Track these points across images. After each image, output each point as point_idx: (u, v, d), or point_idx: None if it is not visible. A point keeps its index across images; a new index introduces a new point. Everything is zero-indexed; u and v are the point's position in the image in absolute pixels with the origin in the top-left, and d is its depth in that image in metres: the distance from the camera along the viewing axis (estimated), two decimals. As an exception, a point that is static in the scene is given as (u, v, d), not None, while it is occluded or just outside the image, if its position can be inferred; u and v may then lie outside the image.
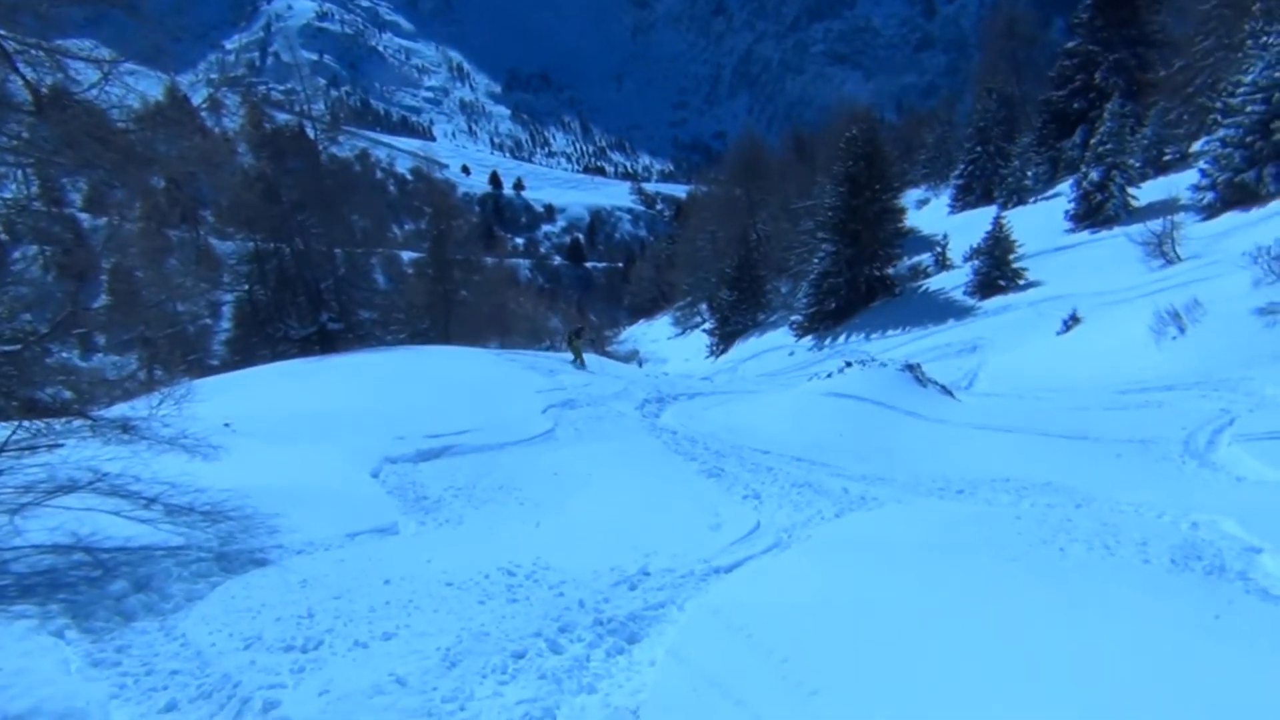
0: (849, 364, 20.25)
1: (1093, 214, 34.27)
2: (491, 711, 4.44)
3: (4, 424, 11.29)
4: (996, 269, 33.02)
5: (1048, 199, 41.59)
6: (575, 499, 10.23)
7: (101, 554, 6.63)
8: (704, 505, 10.07)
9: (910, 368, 19.24)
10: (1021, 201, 43.17)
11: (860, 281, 39.85)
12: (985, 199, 49.42)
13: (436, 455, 11.94)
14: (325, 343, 32.69)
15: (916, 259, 42.10)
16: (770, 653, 4.99)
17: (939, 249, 40.91)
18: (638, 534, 8.57)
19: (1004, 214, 36.18)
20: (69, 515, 7.41)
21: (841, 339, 37.68)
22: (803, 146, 74.01)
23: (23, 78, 9.70)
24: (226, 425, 11.83)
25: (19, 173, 11.73)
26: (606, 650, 5.45)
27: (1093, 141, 35.45)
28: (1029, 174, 45.22)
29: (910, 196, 56.81)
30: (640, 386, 20.99)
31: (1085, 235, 34.12)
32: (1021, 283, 32.38)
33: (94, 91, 10.29)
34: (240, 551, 7.04)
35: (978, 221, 38.69)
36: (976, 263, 34.12)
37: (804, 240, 48.77)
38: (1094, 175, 34.17)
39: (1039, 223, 36.63)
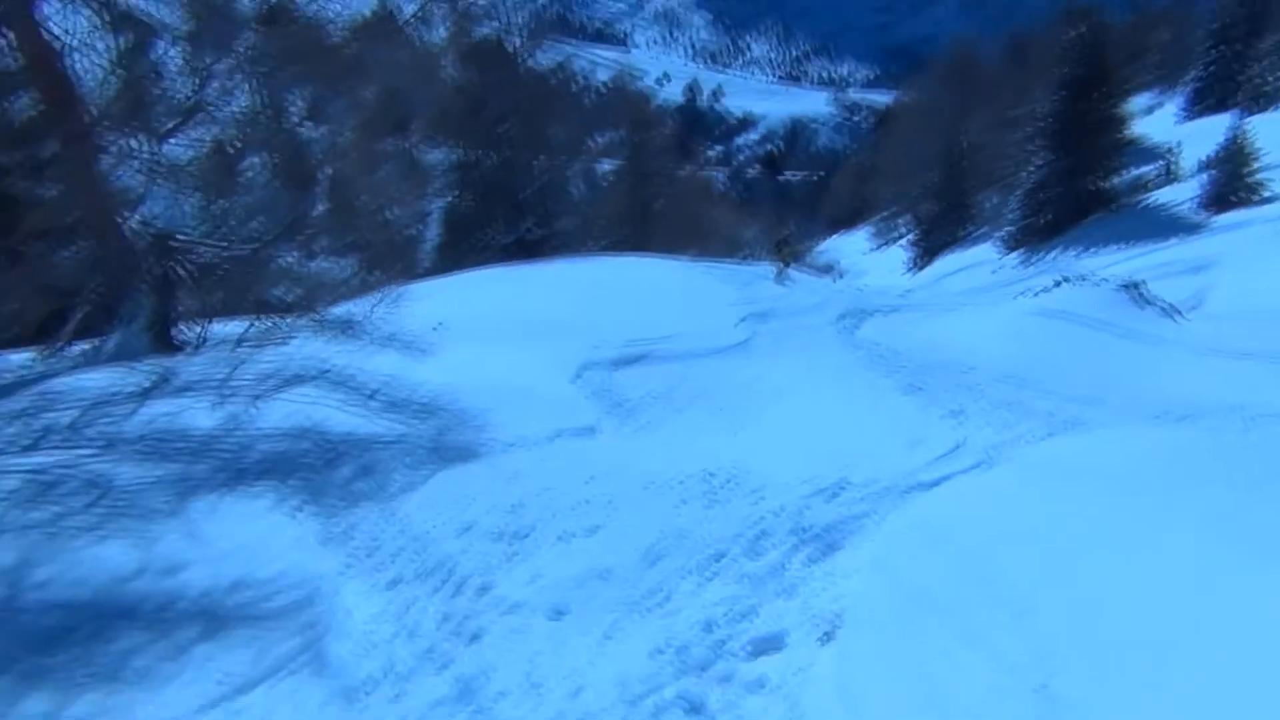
0: (1061, 281, 19.22)
1: (1348, 119, 30.92)
2: (692, 608, 4.53)
3: (241, 320, 12.23)
4: (1232, 182, 30.28)
5: (1294, 105, 37.79)
6: (771, 409, 10.20)
7: (329, 441, 7.10)
8: (903, 421, 9.85)
9: (1129, 286, 18.06)
10: (1264, 108, 39.31)
11: (1076, 194, 37.38)
12: (1222, 105, 45.31)
13: (634, 362, 12.12)
14: (527, 250, 33.55)
15: (1140, 171, 39.12)
16: (978, 570, 4.86)
17: (1166, 160, 37.88)
18: (835, 446, 8.46)
19: (1244, 122, 33.10)
20: (300, 405, 7.96)
21: (1052, 255, 35.69)
22: (1019, 50, 69.56)
23: (254, -9, 10.24)
24: (437, 326, 12.37)
25: (248, 85, 12.46)
26: (805, 557, 5.44)
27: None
28: (1273, 77, 41.03)
29: (1137, 103, 52.64)
30: (837, 300, 20.61)
31: (1338, 143, 30.88)
32: (1261, 197, 29.63)
33: (313, 7, 10.77)
34: (453, 444, 7.39)
35: (1212, 130, 35.58)
36: (1209, 175, 31.39)
37: (1016, 150, 46.08)
38: (1351, 75, 30.72)
39: (1284, 131, 33.35)
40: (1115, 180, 37.74)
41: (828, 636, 4.41)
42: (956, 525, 5.75)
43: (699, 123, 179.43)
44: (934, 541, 5.46)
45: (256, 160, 16.41)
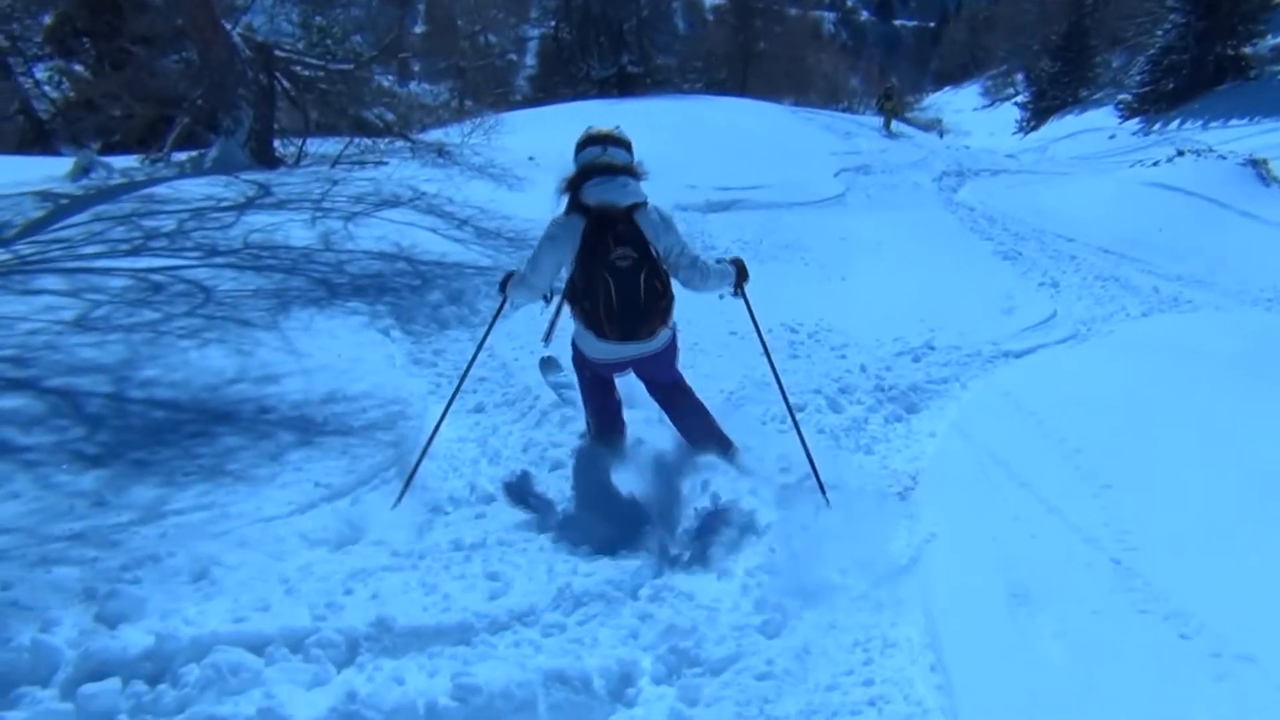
0: (1180, 152, 18.28)
1: None
2: (771, 456, 4.57)
3: (338, 139, 12.31)
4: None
5: None
6: (862, 266, 10.03)
7: (420, 265, 7.21)
8: (997, 287, 9.62)
9: (1254, 163, 17.09)
10: None
11: (1209, 60, 35.03)
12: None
13: (725, 208, 11.97)
14: (624, 85, 32.96)
15: (1283, 38, 36.52)
16: (1062, 441, 4.81)
17: (1316, 25, 35.18)
18: (924, 308, 8.33)
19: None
20: (392, 227, 8.06)
21: (1174, 125, 33.80)
22: (1165, -103, 64.51)
23: None
24: (531, 159, 12.31)
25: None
26: (885, 416, 5.44)
27: None
28: None
29: (1290, -38, 48.70)
30: (939, 157, 19.94)
31: None
32: None
33: None
34: (540, 278, 7.46)
35: (1371, -5, 32.84)
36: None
37: (1149, 9, 43.23)
38: None
39: None
40: (1254, 46, 35.15)
41: (902, 495, 4.45)
42: (1042, 397, 5.67)
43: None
44: (1018, 411, 5.41)
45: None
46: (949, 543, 3.88)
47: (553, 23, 35.98)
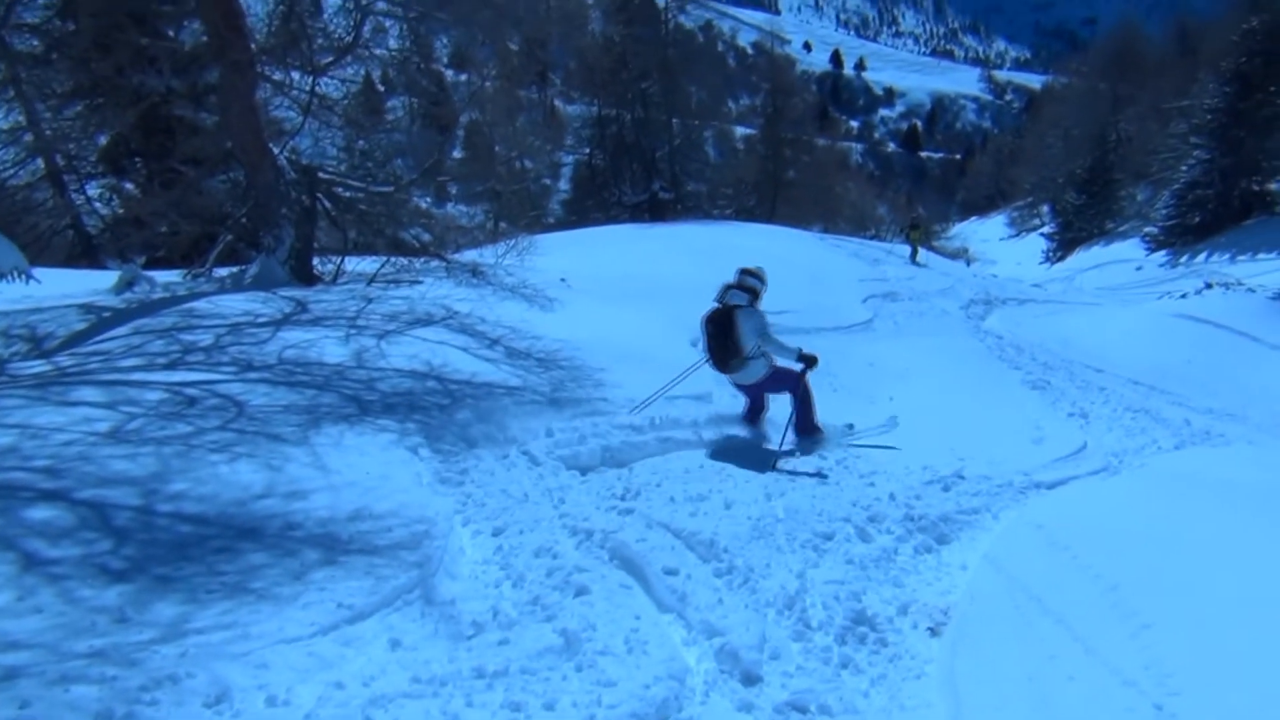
0: (1209, 285, 18.35)
1: None
2: (797, 586, 4.50)
3: (375, 258, 12.59)
4: None
5: None
6: (890, 392, 10.04)
7: (451, 384, 7.27)
8: (1026, 417, 9.57)
9: (1283, 297, 17.14)
10: None
11: (1234, 195, 35.39)
12: (1407, 110, 42.23)
13: (755, 332, 12.06)
14: (655, 210, 33.65)
15: (1308, 175, 36.91)
16: (1098, 577, 4.70)
17: (1339, 165, 35.59)
18: (953, 436, 8.29)
19: None
20: (424, 345, 8.16)
21: (1201, 258, 33.97)
22: (1187, 38, 66.13)
23: (415, -67, 10.43)
24: (562, 280, 12.51)
25: (400, 27, 12.73)
26: (915, 546, 5.35)
27: None
28: None
29: (1311, 102, 49.50)
30: (967, 286, 20.11)
31: None
32: None
33: (470, -50, 10.91)
34: (569, 399, 7.49)
35: (1393, 136, 33.26)
36: (1387, 183, 29.43)
37: (1173, 145, 43.85)
38: None
39: None
40: (1279, 183, 35.55)
41: (935, 630, 4.34)
42: (1076, 530, 5.57)
43: (840, 93, 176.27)
44: (1051, 544, 5.30)
45: (402, 102, 16.82)
46: (983, 683, 3.78)
47: (587, 149, 37.00)
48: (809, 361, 7.35)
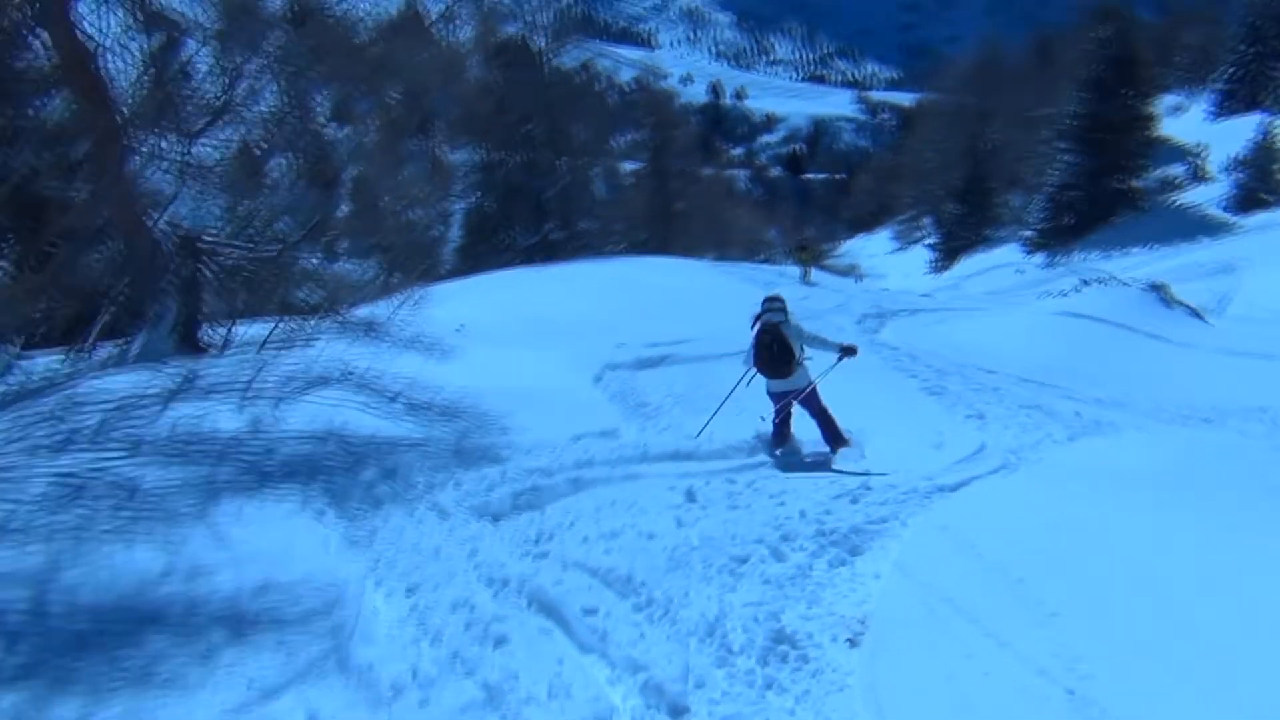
0: (1086, 282, 19.17)
1: (1379, 121, 30.57)
2: (716, 612, 4.53)
3: (265, 321, 12.31)
4: (1261, 182, 30.06)
5: (1326, 105, 37.40)
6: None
7: (353, 444, 7.14)
8: (926, 423, 9.84)
9: (1155, 288, 18.01)
10: (1294, 109, 38.97)
11: (1102, 195, 37.15)
12: (1251, 105, 44.87)
13: (655, 363, 12.13)
14: (548, 251, 33.65)
15: (1167, 171, 38.88)
16: (1004, 573, 4.84)
17: (1195, 160, 37.59)
18: (858, 448, 8.49)
19: (1274, 120, 32.80)
20: (323, 407, 8.00)
21: (1077, 257, 35.49)
22: (1045, 49, 69.17)
23: (281, -8, 10.30)
24: (459, 328, 12.42)
25: (275, 85, 12.54)
26: (829, 560, 5.41)
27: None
28: (1305, 78, 40.66)
29: (1164, 103, 52.23)
30: (859, 301, 20.59)
31: (1371, 146, 30.55)
32: (1290, 198, 29.40)
33: (341, 6, 10.83)
34: (475, 447, 7.42)
35: (1241, 130, 35.29)
36: (1238, 175, 31.18)
37: (1040, 151, 45.82)
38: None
39: (1315, 131, 32.96)
40: (1142, 180, 37.44)
41: (853, 641, 4.41)
42: (981, 528, 5.73)
43: (722, 123, 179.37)
44: (958, 545, 5.44)
45: (282, 161, 16.53)
46: (904, 689, 3.85)
47: (475, 196, 36.90)
48: (849, 351, 8.64)
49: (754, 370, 8.69)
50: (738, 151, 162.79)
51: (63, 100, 10.31)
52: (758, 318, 8.62)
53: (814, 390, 8.42)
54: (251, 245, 12.09)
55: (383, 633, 4.42)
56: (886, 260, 62.36)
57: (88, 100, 9.38)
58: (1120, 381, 12.64)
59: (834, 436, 8.28)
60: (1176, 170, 38.59)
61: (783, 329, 8.35)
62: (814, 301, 19.49)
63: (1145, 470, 7.69)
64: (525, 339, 12.25)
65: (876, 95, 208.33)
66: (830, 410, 8.40)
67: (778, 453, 8.42)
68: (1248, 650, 4.00)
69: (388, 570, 5.11)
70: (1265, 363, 13.60)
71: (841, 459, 8.03)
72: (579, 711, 3.70)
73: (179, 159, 10.84)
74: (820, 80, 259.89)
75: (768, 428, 8.68)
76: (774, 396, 8.60)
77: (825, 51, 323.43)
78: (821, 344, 8.56)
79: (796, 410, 8.52)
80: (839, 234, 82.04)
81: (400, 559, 5.27)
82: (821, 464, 7.99)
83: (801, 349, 8.41)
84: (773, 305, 8.67)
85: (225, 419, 7.39)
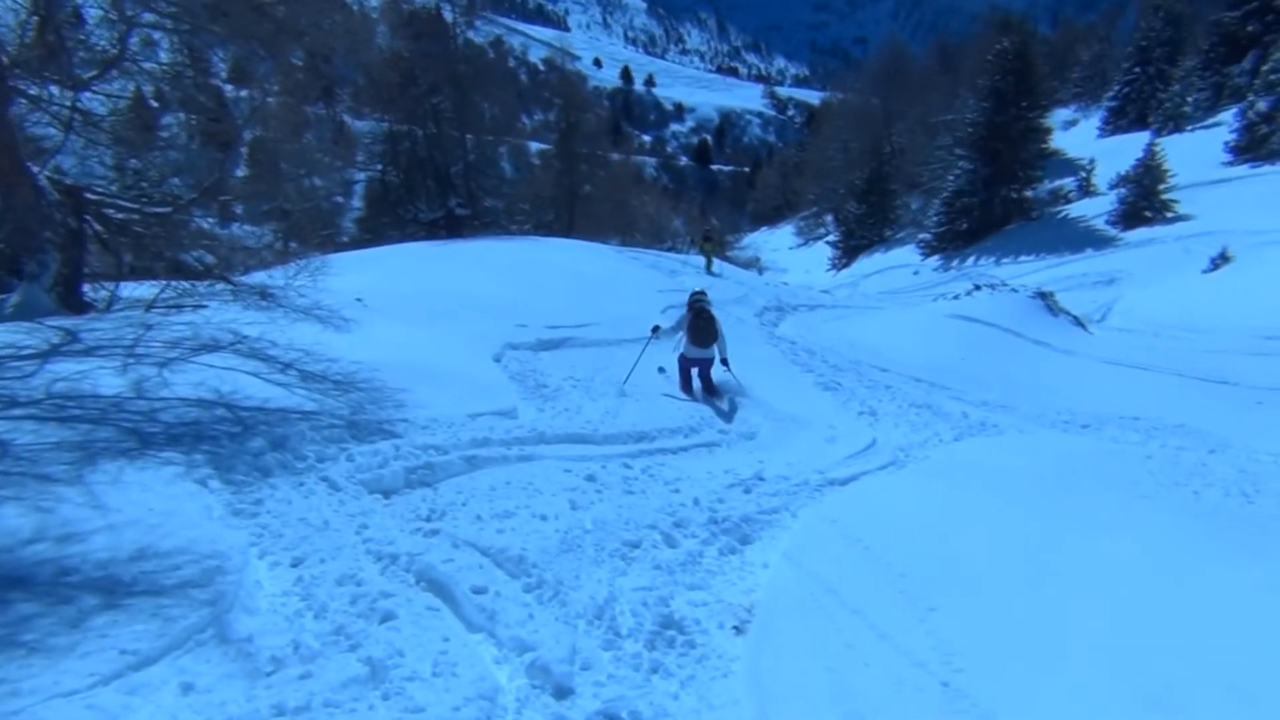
0: (977, 287, 19.74)
1: (1256, 146, 32.20)
2: (606, 596, 4.54)
3: (153, 283, 11.86)
4: (1144, 199, 31.38)
5: (1207, 128, 39.19)
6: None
7: (241, 411, 6.93)
8: (820, 417, 10.02)
9: (1042, 295, 18.64)
10: (1178, 129, 40.79)
11: (996, 202, 38.38)
12: (1139, 124, 46.91)
13: (556, 345, 12.08)
14: (452, 227, 33.19)
15: (1058, 183, 40.34)
16: (888, 566, 4.97)
17: (1084, 173, 39.07)
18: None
19: (1158, 140, 34.28)
20: (211, 372, 7.74)
21: (970, 261, 36.58)
22: (948, 57, 71.11)
23: (183, -57, 9.89)
24: (358, 300, 12.17)
25: (171, 40, 12.04)
26: (719, 548, 5.50)
27: (1264, 68, 33.15)
28: (1189, 100, 42.57)
29: (1057, 116, 54.10)
30: (760, 294, 20.84)
31: (1245, 169, 32.15)
32: (1170, 215, 30.73)
33: (247, -39, 10.45)
34: (369, 421, 7.26)
35: (1128, 147, 36.78)
36: (1123, 191, 32.48)
37: (940, 156, 47.12)
38: (1262, 105, 32.08)
39: (1195, 153, 34.56)
40: (1034, 190, 38.77)
41: (739, 628, 4.46)
42: (868, 523, 5.87)
43: (632, 108, 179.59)
44: (845, 538, 5.56)
45: (177, 118, 15.92)
46: (787, 676, 3.91)
47: (379, 166, 36.14)
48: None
49: (681, 335, 11.10)
50: (647, 138, 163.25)
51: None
52: (691, 305, 11.12)
53: (716, 362, 10.99)
54: (141, 202, 11.63)
55: (265, 605, 4.32)
56: (788, 255, 63.29)
57: (-32, 40, 8.87)
58: (1006, 384, 13.08)
59: (712, 392, 10.80)
60: (1067, 183, 40.03)
61: (717, 317, 11.04)
62: (716, 292, 19.60)
63: (1026, 471, 7.97)
64: (425, 314, 12.06)
65: (784, 91, 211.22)
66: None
67: (682, 395, 10.79)
68: (1118, 647, 4.19)
69: (273, 541, 4.97)
70: (1141, 373, 14.22)
71: (716, 401, 10.47)
72: (464, 690, 3.67)
73: (65, 108, 10.34)
74: (730, 73, 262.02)
75: (670, 374, 11.49)
76: (695, 360, 10.96)
77: (735, 44, 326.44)
78: (722, 342, 11.07)
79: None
80: (743, 226, 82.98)
81: (286, 531, 5.13)
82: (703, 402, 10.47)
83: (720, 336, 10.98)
84: (705, 298, 11.40)
85: (106, 380, 7.08)
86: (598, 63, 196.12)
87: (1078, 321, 18.35)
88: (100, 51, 10.62)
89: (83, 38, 11.01)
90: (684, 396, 10.70)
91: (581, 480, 6.63)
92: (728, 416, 9.69)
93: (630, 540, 5.42)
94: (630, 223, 47.62)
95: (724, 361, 10.98)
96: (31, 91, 10.13)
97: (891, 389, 12.10)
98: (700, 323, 10.83)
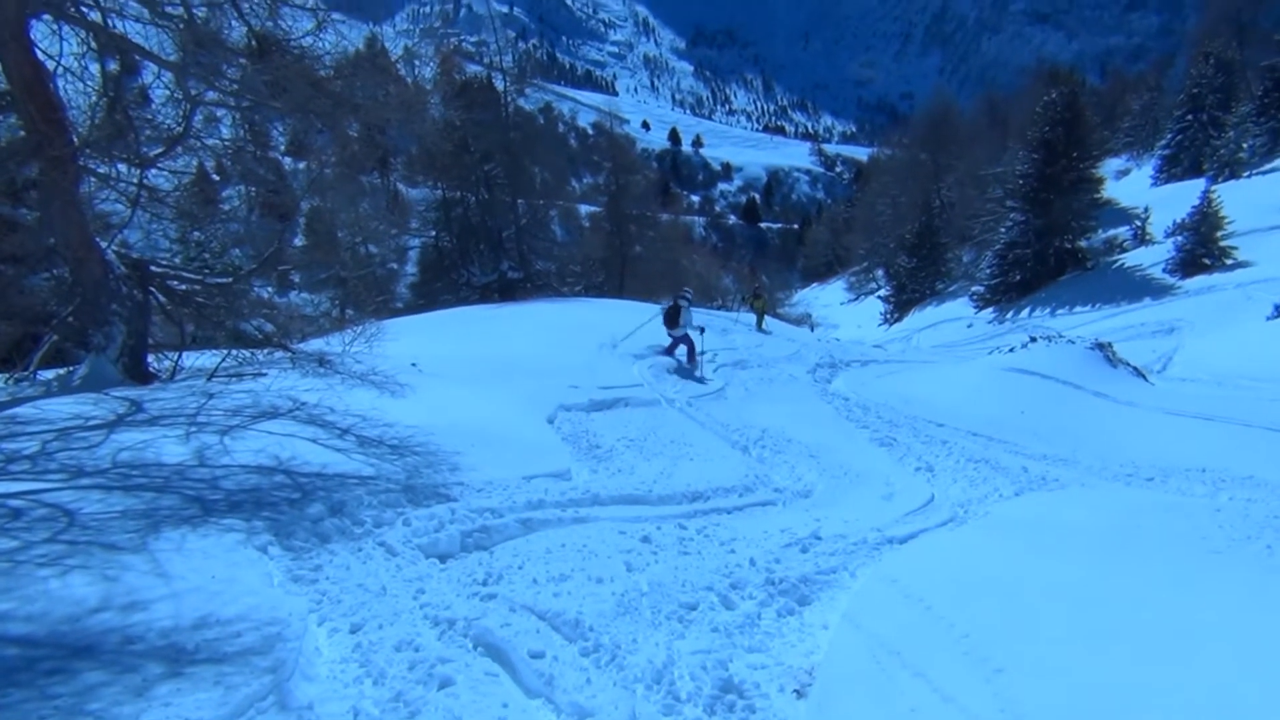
0: (1033, 339, 19.46)
1: (1317, 191, 31.58)
2: (665, 660, 4.50)
3: (215, 352, 12.12)
4: (1202, 246, 30.84)
5: (1264, 174, 38.64)
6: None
7: (300, 477, 7.02)
8: (876, 474, 9.90)
9: (1100, 346, 18.33)
10: (1234, 175, 40.20)
11: (1049, 253, 37.97)
12: (1193, 172, 46.31)
13: (609, 406, 12.12)
14: (505, 290, 33.62)
15: (1112, 232, 39.90)
16: (951, 626, 4.86)
17: (1138, 222, 38.58)
18: (809, 498, 8.53)
19: (1214, 188, 33.80)
20: (271, 439, 7.87)
21: (1025, 313, 36.14)
22: (995, 110, 71.02)
23: (246, 23, 10.24)
24: (413, 365, 12.32)
25: (233, 116, 12.45)
26: (778, 610, 5.43)
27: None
28: (1245, 146, 41.97)
29: (1109, 166, 53.68)
30: (812, 350, 20.75)
31: (1306, 214, 31.55)
32: (1229, 262, 30.14)
33: (308, 39, 10.80)
34: (425, 485, 7.32)
35: (1183, 195, 36.30)
36: (1179, 239, 31.99)
37: (991, 208, 46.87)
38: (1322, 149, 31.48)
39: (1253, 199, 33.96)
40: (1088, 241, 38.35)
41: (800, 692, 4.39)
42: (929, 581, 5.76)
43: (680, 169, 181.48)
44: (905, 597, 5.46)
45: (238, 191, 16.38)
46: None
47: (433, 232, 36.81)
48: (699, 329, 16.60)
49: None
50: (695, 198, 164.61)
51: (13, 122, 10.14)
52: (675, 300, 16.65)
53: (687, 336, 16.45)
54: (204, 274, 11.94)
55: (324, 671, 4.33)
56: (840, 310, 63.10)
57: (41, 122, 9.24)
58: (1066, 438, 12.83)
59: (692, 360, 16.11)
60: (1121, 232, 39.57)
61: (682, 309, 16.39)
62: (768, 349, 19.63)
63: (1090, 527, 7.78)
64: (480, 377, 12.18)
65: (832, 148, 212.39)
66: (695, 348, 16.43)
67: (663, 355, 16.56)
68: (1193, 712, 4.04)
69: (332, 607, 5.01)
70: (1204, 424, 13.88)
71: (691, 371, 14.97)
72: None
73: (132, 185, 10.70)
74: (777, 132, 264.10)
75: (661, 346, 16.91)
76: (670, 336, 16.69)
77: (782, 104, 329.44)
78: (691, 324, 16.58)
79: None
80: (793, 283, 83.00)
81: (345, 596, 5.17)
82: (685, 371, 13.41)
83: (689, 320, 16.44)
84: (684, 294, 16.95)
85: (170, 448, 7.24)
86: (646, 125, 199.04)
87: (1138, 372, 18.01)
88: (166, 129, 11.00)
89: (149, 117, 11.43)
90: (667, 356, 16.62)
91: (637, 542, 6.62)
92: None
93: (687, 602, 5.37)
94: (680, 282, 47.79)
95: (700, 329, 16.75)
96: (100, 170, 10.50)
97: (948, 444, 11.93)
98: (669, 313, 16.58)
